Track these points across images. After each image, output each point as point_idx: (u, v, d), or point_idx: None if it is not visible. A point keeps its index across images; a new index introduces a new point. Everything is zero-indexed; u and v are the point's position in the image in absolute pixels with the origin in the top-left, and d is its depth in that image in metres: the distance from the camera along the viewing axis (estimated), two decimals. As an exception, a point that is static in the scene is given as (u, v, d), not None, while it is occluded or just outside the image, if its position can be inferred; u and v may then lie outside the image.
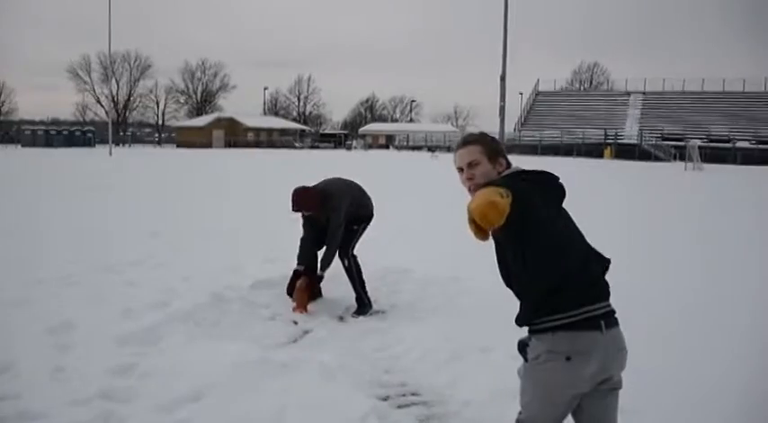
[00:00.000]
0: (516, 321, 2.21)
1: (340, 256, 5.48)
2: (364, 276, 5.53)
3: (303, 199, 5.29)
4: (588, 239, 2.27)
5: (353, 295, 5.49)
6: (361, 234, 5.60)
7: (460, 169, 2.34)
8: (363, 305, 5.45)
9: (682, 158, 40.64)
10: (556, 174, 2.32)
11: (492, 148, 2.34)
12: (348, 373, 3.96)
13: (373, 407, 3.47)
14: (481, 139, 2.36)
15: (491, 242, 2.17)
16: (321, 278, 5.46)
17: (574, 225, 2.26)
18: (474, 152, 2.32)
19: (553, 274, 2.10)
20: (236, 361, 3.89)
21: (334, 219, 5.33)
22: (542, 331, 2.13)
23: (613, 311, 2.18)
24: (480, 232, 1.94)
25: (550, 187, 2.27)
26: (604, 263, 2.24)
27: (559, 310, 2.10)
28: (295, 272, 5.48)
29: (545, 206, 2.15)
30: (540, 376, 2.16)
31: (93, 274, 6.23)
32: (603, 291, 2.18)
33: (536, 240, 2.08)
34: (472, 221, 1.92)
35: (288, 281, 5.56)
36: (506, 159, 2.34)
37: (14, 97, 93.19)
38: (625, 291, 3.07)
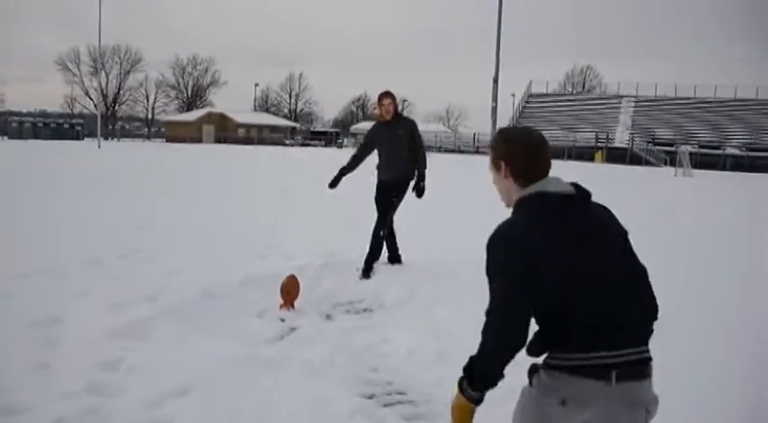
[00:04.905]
0: (526, 351, 2.03)
1: (384, 225, 6.16)
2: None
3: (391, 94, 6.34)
4: None
5: (341, 292, 5.53)
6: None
7: None
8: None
9: (672, 164, 40.86)
10: (583, 187, 2.07)
11: (492, 155, 2.19)
12: (335, 370, 3.98)
13: (360, 405, 3.48)
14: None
15: (484, 239, 2.09)
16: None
17: (610, 254, 1.98)
18: (491, 170, 2.21)
19: (560, 322, 1.94)
20: (224, 357, 3.90)
21: (419, 137, 6.46)
22: (549, 367, 1.99)
23: (641, 361, 1.91)
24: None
25: (568, 219, 1.98)
26: (650, 306, 2.00)
27: (567, 350, 1.93)
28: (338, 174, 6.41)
29: (558, 252, 1.91)
30: (532, 408, 2.04)
31: (80, 267, 6.20)
32: (631, 336, 1.93)
33: (544, 296, 1.92)
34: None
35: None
36: (508, 160, 2.13)
37: (1, 88, 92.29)
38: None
